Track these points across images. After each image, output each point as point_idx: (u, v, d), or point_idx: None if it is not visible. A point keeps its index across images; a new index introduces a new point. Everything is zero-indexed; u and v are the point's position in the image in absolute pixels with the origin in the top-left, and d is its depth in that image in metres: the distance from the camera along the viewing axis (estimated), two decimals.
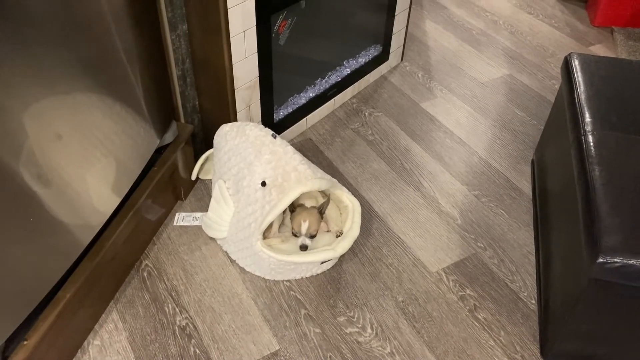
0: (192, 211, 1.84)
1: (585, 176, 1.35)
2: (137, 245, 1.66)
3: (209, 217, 1.69)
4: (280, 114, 2.05)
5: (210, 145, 1.88)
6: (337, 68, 2.27)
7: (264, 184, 1.57)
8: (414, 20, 2.95)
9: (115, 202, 1.48)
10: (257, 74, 1.82)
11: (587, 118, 1.52)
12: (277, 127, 2.05)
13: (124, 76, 1.42)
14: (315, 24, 2.01)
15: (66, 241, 1.31)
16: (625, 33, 2.84)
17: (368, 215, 1.86)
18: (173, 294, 1.60)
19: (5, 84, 1.04)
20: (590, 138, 1.45)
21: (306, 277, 1.65)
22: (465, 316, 1.57)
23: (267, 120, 1.99)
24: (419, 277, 1.67)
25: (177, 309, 1.56)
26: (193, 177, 1.87)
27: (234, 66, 1.70)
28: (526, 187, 1.99)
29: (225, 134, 1.73)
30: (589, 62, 1.72)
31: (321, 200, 1.69)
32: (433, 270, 1.69)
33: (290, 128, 2.11)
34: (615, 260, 1.16)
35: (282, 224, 1.70)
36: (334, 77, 2.24)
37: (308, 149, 2.11)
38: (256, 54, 1.76)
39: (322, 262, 1.61)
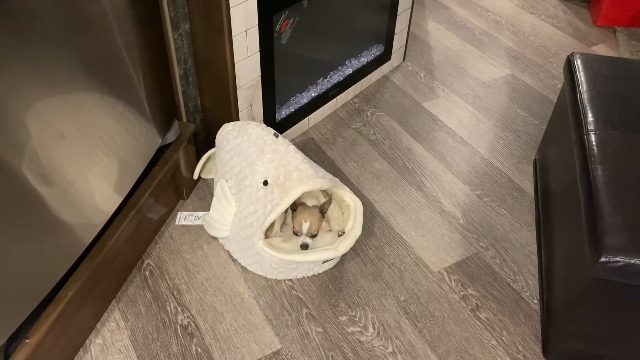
0: (194, 210, 1.84)
1: (587, 175, 1.35)
2: (139, 244, 1.66)
3: (211, 216, 1.69)
4: (282, 113, 2.05)
5: (213, 145, 1.88)
6: (339, 68, 2.27)
7: (266, 183, 1.57)
8: (416, 20, 2.95)
9: (117, 201, 1.48)
10: (259, 73, 1.82)
11: (590, 117, 1.52)
12: (279, 126, 2.05)
13: (126, 75, 1.42)
14: (317, 24, 2.01)
15: (68, 240, 1.31)
16: (628, 33, 2.84)
17: (370, 214, 1.86)
18: (175, 293, 1.60)
19: (8, 84, 1.04)
20: (593, 137, 1.45)
21: (308, 277, 1.65)
22: (467, 316, 1.57)
23: (269, 119, 1.99)
24: (421, 276, 1.67)
25: (179, 308, 1.56)
26: (195, 176, 1.87)
27: (236, 65, 1.70)
28: (528, 186, 1.99)
29: (227, 133, 1.73)
30: (591, 61, 1.72)
31: (323, 199, 1.69)
32: (435, 269, 1.69)
33: (292, 127, 2.11)
34: (618, 259, 1.16)
35: (283, 223, 1.70)
36: (336, 77, 2.24)
37: (310, 149, 2.11)
38: (258, 53, 1.76)
39: (324, 262, 1.61)
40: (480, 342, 1.51)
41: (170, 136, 1.74)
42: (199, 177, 1.93)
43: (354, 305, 1.59)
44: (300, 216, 1.58)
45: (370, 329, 1.53)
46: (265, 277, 1.65)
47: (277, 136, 1.69)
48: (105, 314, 1.54)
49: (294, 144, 2.10)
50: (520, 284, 1.66)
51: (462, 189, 1.97)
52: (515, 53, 2.72)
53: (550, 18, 3.03)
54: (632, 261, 1.16)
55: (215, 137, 1.80)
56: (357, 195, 1.88)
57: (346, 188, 1.73)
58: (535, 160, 2.07)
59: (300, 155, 1.64)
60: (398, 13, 2.37)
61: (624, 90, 1.61)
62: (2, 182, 1.07)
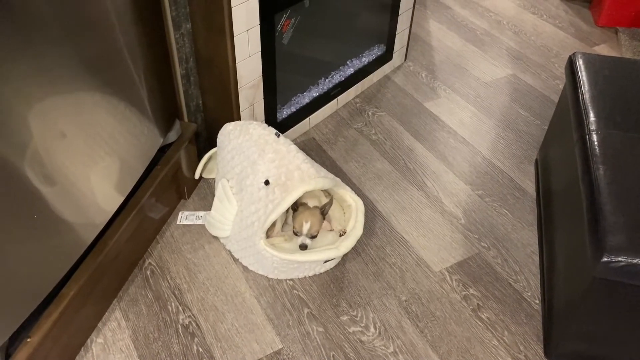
0: (196, 210, 1.84)
1: (589, 175, 1.35)
2: (140, 243, 1.66)
3: (212, 215, 1.69)
4: (283, 113, 2.05)
5: (214, 144, 1.88)
6: (341, 67, 2.27)
7: (267, 182, 1.57)
8: (418, 20, 2.95)
9: (118, 200, 1.48)
10: (261, 73, 1.82)
11: (592, 117, 1.51)
12: (281, 126, 2.05)
13: (128, 75, 1.42)
14: (318, 23, 2.01)
15: (70, 239, 1.31)
16: (630, 33, 2.83)
17: (371, 214, 1.86)
18: (176, 292, 1.60)
19: (10, 83, 1.04)
20: (595, 137, 1.45)
21: (309, 276, 1.65)
22: (469, 316, 1.57)
23: (271, 119, 1.99)
24: (422, 276, 1.67)
25: (180, 308, 1.56)
26: (196, 176, 1.87)
27: (237, 65, 1.70)
28: (530, 186, 1.99)
29: (228, 132, 1.73)
30: (593, 61, 1.72)
31: (324, 200, 1.69)
32: (436, 269, 1.69)
33: (294, 127, 2.11)
34: (620, 259, 1.16)
35: (285, 222, 1.70)
36: (337, 77, 2.24)
37: (311, 148, 2.11)
38: (260, 53, 1.76)
39: (325, 261, 1.61)
40: (481, 342, 1.51)
41: (172, 136, 1.74)
42: (201, 177, 1.93)
43: (355, 305, 1.59)
44: (301, 216, 1.58)
45: (372, 329, 1.53)
46: (266, 277, 1.65)
47: (278, 136, 1.69)
48: (106, 313, 1.54)
49: (295, 143, 2.10)
50: (521, 284, 1.66)
51: (463, 189, 1.96)
52: (516, 53, 2.72)
53: (552, 18, 3.02)
54: (634, 261, 1.16)
55: (216, 137, 1.81)
56: (358, 195, 1.88)
57: (347, 188, 1.73)
58: (536, 160, 2.06)
59: (301, 155, 1.64)
60: (399, 13, 2.36)
61: (625, 90, 1.61)
62: (3, 181, 1.07)
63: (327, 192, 1.77)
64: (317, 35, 2.04)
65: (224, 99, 1.80)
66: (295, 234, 1.60)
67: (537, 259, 1.73)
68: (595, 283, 1.22)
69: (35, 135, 1.13)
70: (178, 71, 1.72)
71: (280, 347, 1.48)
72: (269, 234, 1.64)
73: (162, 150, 1.72)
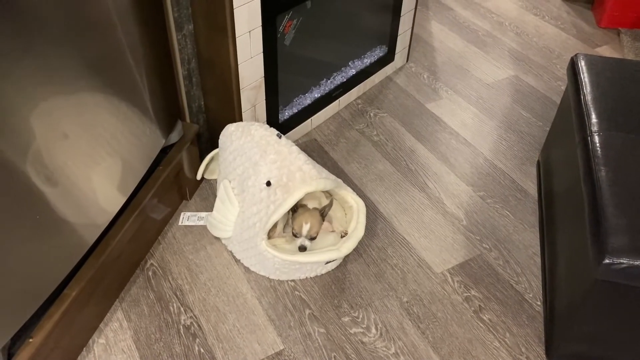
0: (197, 211, 1.85)
1: (591, 177, 1.34)
2: (142, 244, 1.66)
3: (214, 216, 1.69)
4: (285, 114, 2.05)
5: (216, 145, 1.89)
6: (343, 69, 2.27)
7: (268, 183, 1.57)
8: (420, 22, 2.95)
9: (120, 201, 1.49)
10: (263, 74, 1.82)
11: (594, 119, 1.51)
12: (282, 127, 2.05)
13: (130, 76, 1.42)
14: (320, 25, 2.01)
15: (72, 239, 1.32)
16: (632, 34, 2.83)
17: (373, 215, 1.86)
18: (178, 293, 1.60)
19: (13, 84, 1.04)
20: (597, 139, 1.45)
21: (311, 277, 1.65)
22: (470, 317, 1.57)
23: (272, 120, 1.99)
24: (424, 277, 1.67)
25: (181, 308, 1.56)
26: (198, 177, 1.88)
27: (239, 66, 1.70)
28: (532, 188, 1.98)
29: (230, 133, 1.73)
30: (595, 63, 1.72)
31: (324, 201, 1.69)
32: (438, 271, 1.69)
33: (295, 128, 2.12)
34: (622, 261, 1.16)
35: (286, 224, 1.70)
36: (339, 78, 2.24)
37: (313, 150, 2.12)
38: (262, 54, 1.76)
39: (327, 262, 1.61)
40: (483, 343, 1.51)
41: (174, 137, 1.74)
42: (202, 178, 1.93)
43: (356, 306, 1.59)
44: (301, 218, 1.58)
45: (373, 330, 1.53)
46: (268, 278, 1.65)
47: (280, 137, 1.69)
48: (108, 313, 1.54)
49: (297, 144, 2.10)
50: (523, 286, 1.65)
51: (465, 190, 1.96)
52: (518, 54, 2.72)
53: (554, 19, 3.02)
54: (636, 263, 1.15)
55: (218, 138, 1.81)
56: (360, 196, 1.88)
57: (349, 189, 1.73)
58: (538, 162, 2.06)
59: (303, 156, 1.64)
60: (401, 14, 2.37)
61: (627, 91, 1.61)
62: (6, 182, 1.08)
63: (328, 194, 1.77)
64: (319, 37, 2.05)
65: (226, 100, 1.81)
66: (295, 235, 1.60)
67: (538, 260, 1.73)
68: (596, 285, 1.22)
69: (38, 136, 1.13)
70: (180, 72, 1.73)
71: (281, 348, 1.48)
72: (270, 235, 1.64)
73: (164, 151, 1.72)
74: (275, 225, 1.65)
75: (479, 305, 1.60)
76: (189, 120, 1.86)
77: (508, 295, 1.63)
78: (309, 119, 2.16)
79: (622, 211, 1.24)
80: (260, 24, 1.68)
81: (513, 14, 3.06)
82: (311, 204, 1.64)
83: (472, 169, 2.05)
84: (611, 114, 1.52)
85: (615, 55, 2.73)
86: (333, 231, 1.70)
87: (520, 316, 1.57)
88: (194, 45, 1.73)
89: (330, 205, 1.62)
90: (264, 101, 1.90)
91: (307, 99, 2.12)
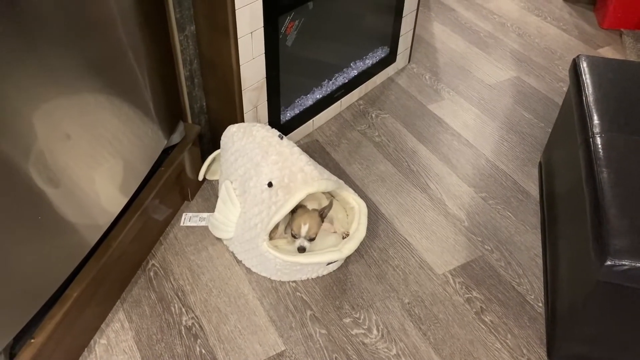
0: (199, 211, 1.85)
1: (593, 178, 1.34)
2: (144, 245, 1.66)
3: (216, 217, 1.69)
4: (287, 115, 2.05)
5: (218, 146, 1.89)
6: (344, 69, 2.27)
7: (270, 184, 1.57)
8: (422, 23, 2.95)
9: (122, 201, 1.49)
10: (265, 75, 1.82)
11: (595, 120, 1.51)
12: (284, 128, 2.05)
13: (132, 77, 1.43)
14: (322, 26, 2.01)
15: (74, 240, 1.32)
16: (634, 36, 2.83)
17: (374, 216, 1.86)
18: (179, 293, 1.60)
19: (16, 84, 1.04)
20: (599, 140, 1.45)
21: (312, 278, 1.65)
22: (472, 319, 1.57)
23: (274, 121, 1.99)
24: (426, 279, 1.67)
25: (183, 309, 1.56)
26: (200, 178, 1.88)
27: (241, 67, 1.70)
28: (533, 189, 1.98)
29: (232, 134, 1.73)
30: (597, 64, 1.71)
31: (324, 202, 1.69)
32: (439, 272, 1.69)
33: (297, 129, 2.12)
34: (624, 262, 1.16)
35: (287, 224, 1.70)
36: (341, 79, 2.24)
37: (314, 150, 2.12)
38: (263, 55, 1.76)
39: (328, 263, 1.61)
40: (484, 345, 1.51)
41: (176, 137, 1.74)
42: (204, 179, 1.93)
43: (358, 308, 1.59)
44: (300, 219, 1.58)
45: (375, 331, 1.53)
46: (269, 279, 1.65)
47: (281, 138, 1.69)
48: (109, 314, 1.54)
49: (298, 145, 2.10)
50: (525, 287, 1.65)
51: (467, 192, 1.96)
52: (520, 55, 2.71)
53: (556, 20, 3.02)
54: (638, 264, 1.15)
55: (220, 139, 1.81)
56: (361, 197, 1.88)
57: (350, 190, 1.73)
58: (540, 163, 2.06)
59: (304, 157, 1.64)
60: (403, 15, 2.37)
61: (629, 92, 1.61)
62: (8, 182, 1.08)
63: (329, 195, 1.77)
64: (321, 38, 2.05)
65: (228, 100, 1.81)
66: (294, 236, 1.60)
67: (540, 261, 1.73)
68: (598, 286, 1.22)
69: (40, 137, 1.14)
70: (182, 73, 1.73)
71: (283, 349, 1.48)
72: (272, 235, 1.64)
73: (166, 151, 1.72)
74: (276, 226, 1.65)
75: (481, 307, 1.60)
76: (190, 121, 1.86)
77: (510, 296, 1.63)
78: (311, 120, 2.16)
79: (624, 213, 1.24)
80: (262, 25, 1.68)
81: (515, 15, 3.06)
82: (311, 205, 1.64)
83: (474, 170, 2.05)
84: (613, 116, 1.52)
85: (617, 56, 2.73)
86: (334, 232, 1.70)
87: (521, 317, 1.57)
88: (196, 46, 1.73)
89: (329, 206, 1.62)
90: (266, 102, 1.90)
91: (309, 100, 2.12)
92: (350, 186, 1.95)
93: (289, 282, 1.64)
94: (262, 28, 1.69)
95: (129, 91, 1.42)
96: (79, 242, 1.34)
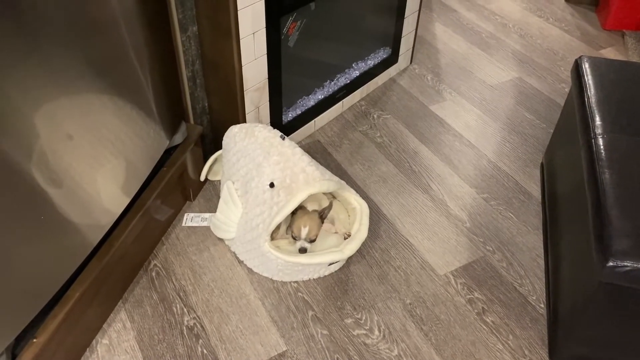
0: (201, 212, 1.85)
1: (595, 179, 1.34)
2: (146, 245, 1.67)
3: (218, 217, 1.69)
4: (289, 115, 2.06)
5: (219, 147, 1.89)
6: (346, 70, 2.27)
7: (272, 185, 1.57)
8: (424, 23, 2.95)
9: (124, 202, 1.49)
10: (267, 76, 1.82)
11: (597, 121, 1.51)
12: (286, 128, 2.05)
13: (134, 77, 1.43)
14: (324, 26, 2.01)
15: (76, 240, 1.32)
16: (636, 36, 2.82)
17: (376, 217, 1.86)
18: (181, 294, 1.60)
19: (18, 85, 1.05)
20: (601, 141, 1.45)
21: (314, 279, 1.65)
22: (474, 319, 1.57)
23: (276, 121, 1.99)
24: (427, 279, 1.67)
25: (185, 309, 1.56)
26: (202, 178, 1.88)
27: (243, 68, 1.71)
28: (535, 190, 1.98)
29: (234, 135, 1.73)
30: (599, 65, 1.71)
31: (325, 203, 1.69)
32: (441, 273, 1.69)
33: (299, 130, 2.12)
34: (626, 264, 1.16)
35: (288, 226, 1.71)
36: (342, 80, 2.24)
37: (316, 151, 2.12)
38: (265, 56, 1.76)
39: (330, 264, 1.61)
40: (486, 345, 1.51)
41: (178, 138, 1.74)
42: (206, 179, 1.93)
43: (359, 308, 1.59)
44: (300, 221, 1.58)
45: (376, 332, 1.53)
46: (271, 279, 1.65)
47: (283, 138, 1.69)
48: (111, 314, 1.55)
49: (300, 146, 2.10)
50: (526, 288, 1.65)
51: (468, 192, 1.96)
52: (522, 56, 2.71)
53: (558, 21, 3.02)
54: None
55: (222, 139, 1.81)
56: (363, 198, 1.88)
57: (352, 190, 1.73)
58: (542, 164, 2.06)
59: (306, 158, 1.64)
60: (405, 16, 2.37)
61: (632, 93, 1.61)
62: (11, 183, 1.08)
63: (330, 195, 1.77)
64: (323, 38, 2.05)
65: (230, 101, 1.81)
66: (294, 238, 1.61)
67: (542, 262, 1.73)
68: (600, 287, 1.22)
69: (42, 137, 1.14)
70: (184, 73, 1.73)
71: (284, 349, 1.48)
72: (273, 236, 1.65)
73: (168, 152, 1.72)
74: (278, 227, 1.65)
75: (482, 308, 1.60)
76: (192, 122, 1.86)
77: (511, 297, 1.63)
78: (313, 121, 2.16)
79: (626, 214, 1.24)
80: (264, 25, 1.69)
81: (517, 16, 3.06)
82: (311, 206, 1.64)
83: (476, 171, 2.05)
84: (615, 117, 1.52)
85: (620, 57, 2.73)
86: (336, 233, 1.70)
87: (523, 318, 1.57)
88: (198, 46, 1.74)
89: (329, 207, 1.63)
90: (268, 103, 1.90)
91: (311, 101, 2.13)
92: (352, 187, 1.95)
93: (290, 282, 1.64)
94: (264, 29, 1.70)
95: (132, 92, 1.43)
96: (81, 242, 1.34)
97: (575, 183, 1.51)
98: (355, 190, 1.92)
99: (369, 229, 1.79)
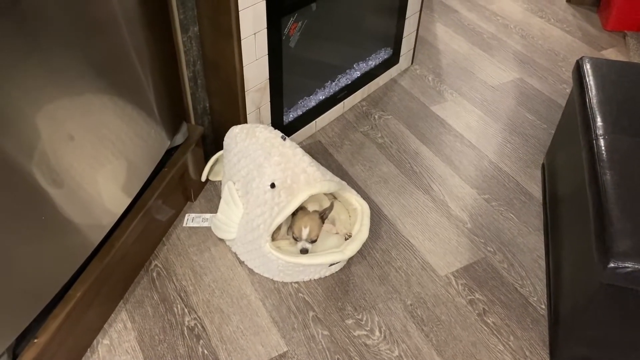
0: (202, 212, 1.85)
1: (596, 180, 1.34)
2: (146, 245, 1.67)
3: (219, 218, 1.69)
4: (290, 116, 2.06)
5: (220, 147, 1.89)
6: (347, 71, 2.27)
7: (273, 185, 1.57)
8: (425, 24, 2.95)
9: (125, 202, 1.49)
10: (268, 76, 1.82)
11: (599, 122, 1.51)
12: (287, 129, 2.05)
13: (136, 78, 1.43)
14: (325, 27, 2.02)
15: (77, 240, 1.32)
16: (638, 37, 2.82)
17: (377, 218, 1.86)
18: (182, 294, 1.60)
19: (19, 85, 1.05)
20: (602, 142, 1.44)
21: (314, 279, 1.65)
22: (474, 320, 1.56)
23: (277, 122, 1.99)
24: (428, 280, 1.67)
25: (185, 310, 1.56)
26: (203, 179, 1.88)
27: (244, 68, 1.71)
28: (536, 191, 1.98)
29: (235, 135, 1.73)
30: (600, 66, 1.71)
31: (325, 204, 1.69)
32: (442, 273, 1.69)
33: (300, 130, 2.12)
34: (627, 265, 1.15)
35: (289, 226, 1.71)
36: (344, 80, 2.24)
37: (317, 152, 2.12)
38: (266, 57, 1.76)
39: (331, 265, 1.61)
40: (487, 347, 1.50)
41: (179, 138, 1.74)
42: (207, 179, 1.93)
43: (360, 309, 1.59)
44: (300, 222, 1.58)
45: (377, 333, 1.53)
46: (272, 280, 1.65)
47: (284, 139, 1.69)
48: (112, 314, 1.55)
49: (301, 146, 2.10)
50: (527, 289, 1.65)
51: (469, 193, 1.96)
52: (524, 57, 2.71)
53: (559, 22, 3.02)
54: None
55: (223, 140, 1.81)
56: (364, 199, 1.88)
57: (353, 191, 1.73)
58: (543, 165, 2.06)
59: (307, 158, 1.64)
60: (406, 16, 2.37)
61: (633, 94, 1.61)
62: (12, 183, 1.08)
63: (331, 196, 1.77)
64: (324, 39, 2.05)
65: (231, 101, 1.81)
66: (295, 239, 1.60)
67: (543, 263, 1.73)
68: (601, 288, 1.22)
69: (44, 137, 1.14)
70: (185, 74, 1.73)
71: (285, 350, 1.48)
72: (274, 236, 1.65)
73: (169, 152, 1.73)
74: (279, 227, 1.65)
75: (483, 309, 1.59)
76: (193, 122, 1.86)
77: (512, 298, 1.62)
78: (314, 121, 2.16)
79: (628, 215, 1.24)
80: (265, 26, 1.69)
81: (518, 16, 3.06)
82: (312, 207, 1.64)
83: (477, 172, 2.05)
84: (616, 117, 1.52)
85: (621, 58, 2.73)
86: (337, 233, 1.70)
87: (524, 319, 1.57)
88: (199, 47, 1.74)
89: (330, 208, 1.63)
90: (269, 103, 1.90)
91: (312, 101, 2.13)
92: (353, 187, 1.95)
93: (291, 283, 1.64)
94: (266, 29, 1.70)
95: (132, 92, 1.43)
96: (82, 243, 1.34)
97: (577, 184, 1.51)
98: (356, 190, 1.92)
99: (370, 230, 1.79)
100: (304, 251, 1.58)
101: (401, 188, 1.97)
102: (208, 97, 1.88)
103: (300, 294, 1.62)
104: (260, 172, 1.61)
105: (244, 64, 1.70)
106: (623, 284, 1.18)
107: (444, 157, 2.10)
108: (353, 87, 2.28)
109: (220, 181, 1.95)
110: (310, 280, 1.65)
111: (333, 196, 1.78)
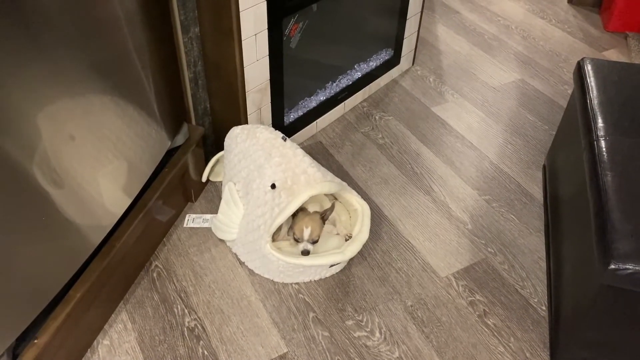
0: (202, 213, 1.85)
1: (597, 182, 1.34)
2: (147, 246, 1.67)
3: (219, 219, 1.69)
4: (290, 117, 2.06)
5: (221, 148, 1.89)
6: (348, 71, 2.27)
7: (273, 186, 1.57)
8: (426, 25, 2.95)
9: (126, 202, 1.49)
10: (268, 77, 1.82)
11: (600, 123, 1.51)
12: (288, 130, 2.05)
13: (137, 78, 1.43)
14: (326, 28, 2.02)
15: (77, 241, 1.32)
16: (639, 38, 2.82)
17: (377, 219, 1.86)
18: (182, 295, 1.60)
19: (20, 85, 1.05)
20: (603, 143, 1.44)
21: (315, 280, 1.65)
22: (475, 321, 1.56)
23: (278, 123, 1.99)
24: (429, 281, 1.67)
25: (186, 310, 1.56)
26: (203, 179, 1.88)
27: (245, 69, 1.71)
28: (537, 192, 1.98)
29: (235, 136, 1.73)
30: (601, 67, 1.71)
31: (326, 205, 1.69)
32: (442, 275, 1.69)
33: (301, 131, 2.12)
34: (627, 266, 1.15)
35: (290, 227, 1.70)
36: (344, 81, 2.24)
37: (318, 152, 2.12)
38: (267, 57, 1.76)
39: (331, 266, 1.61)
40: (487, 348, 1.50)
41: (179, 139, 1.74)
42: (208, 180, 1.93)
43: (360, 310, 1.58)
44: (301, 222, 1.58)
45: (377, 334, 1.53)
46: (272, 281, 1.65)
47: (285, 140, 1.69)
48: (112, 315, 1.55)
49: (302, 147, 2.10)
50: (528, 290, 1.65)
51: (470, 194, 1.96)
52: (525, 58, 2.71)
53: (560, 23, 3.01)
54: None
55: (223, 140, 1.81)
56: (364, 200, 1.88)
57: (354, 192, 1.73)
58: (544, 166, 2.06)
59: (308, 159, 1.64)
60: (407, 17, 2.37)
61: (634, 96, 1.60)
62: (13, 183, 1.08)
63: (332, 197, 1.77)
64: (324, 40, 2.05)
65: (232, 102, 1.81)
66: (296, 240, 1.60)
67: (544, 265, 1.72)
68: (602, 290, 1.22)
69: (45, 138, 1.14)
70: (186, 75, 1.73)
71: (285, 350, 1.48)
72: (274, 237, 1.65)
73: (170, 153, 1.73)
74: (279, 228, 1.65)
75: (484, 310, 1.59)
76: (194, 123, 1.86)
77: (513, 299, 1.62)
78: (314, 122, 2.16)
79: (628, 216, 1.24)
80: (266, 27, 1.69)
81: (519, 17, 3.06)
82: (312, 207, 1.64)
83: (478, 173, 2.05)
84: (617, 119, 1.52)
85: (622, 59, 2.72)
86: (337, 234, 1.69)
87: (525, 321, 1.57)
88: (200, 48, 1.74)
89: (331, 208, 1.62)
90: (270, 104, 1.90)
91: (313, 102, 2.13)
92: (354, 188, 1.95)
93: (291, 284, 1.64)
94: (266, 30, 1.70)
95: (133, 93, 1.43)
96: (82, 243, 1.34)
97: (578, 185, 1.51)
98: (357, 191, 1.92)
99: (371, 231, 1.79)
100: (306, 253, 1.58)
101: (402, 189, 1.97)
102: (209, 98, 1.88)
103: (300, 295, 1.62)
104: (260, 173, 1.61)
105: (244, 65, 1.70)
106: (624, 285, 1.18)
107: (445, 158, 2.10)
108: (354, 87, 2.28)
109: (220, 182, 1.95)
110: (311, 281, 1.65)
111: (334, 197, 1.78)
